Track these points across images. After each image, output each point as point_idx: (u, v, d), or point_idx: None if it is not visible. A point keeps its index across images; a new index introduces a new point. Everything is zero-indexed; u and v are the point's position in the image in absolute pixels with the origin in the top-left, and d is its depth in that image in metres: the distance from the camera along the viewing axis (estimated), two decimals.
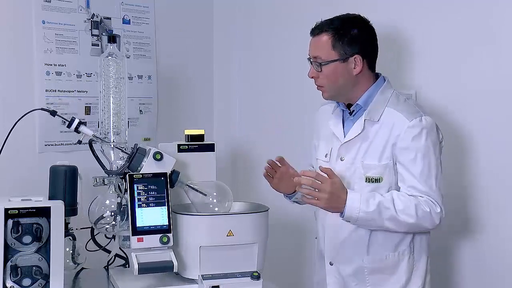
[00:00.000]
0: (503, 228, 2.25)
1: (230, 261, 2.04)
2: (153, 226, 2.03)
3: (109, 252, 2.32)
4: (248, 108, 3.14)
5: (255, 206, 2.19)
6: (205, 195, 2.14)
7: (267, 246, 2.13)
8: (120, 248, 2.27)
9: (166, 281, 2.10)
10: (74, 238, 2.24)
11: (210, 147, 2.30)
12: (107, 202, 2.19)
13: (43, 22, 2.61)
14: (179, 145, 2.26)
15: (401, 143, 2.07)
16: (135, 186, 2.05)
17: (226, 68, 3.19)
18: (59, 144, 2.62)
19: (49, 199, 2.11)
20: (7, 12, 2.51)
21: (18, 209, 1.91)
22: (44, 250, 1.95)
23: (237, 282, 2.01)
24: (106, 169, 2.19)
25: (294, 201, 2.38)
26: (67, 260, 2.20)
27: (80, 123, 2.15)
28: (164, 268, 2.02)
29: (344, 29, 2.12)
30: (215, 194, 2.15)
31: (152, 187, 2.06)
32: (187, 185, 2.15)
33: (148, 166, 2.09)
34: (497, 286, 2.27)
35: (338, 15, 2.16)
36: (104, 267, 2.33)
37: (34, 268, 1.92)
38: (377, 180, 2.10)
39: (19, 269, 1.90)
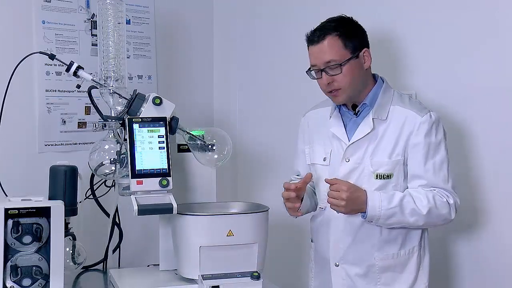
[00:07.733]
0: (503, 227, 2.25)
1: (230, 261, 2.04)
2: (153, 169, 2.02)
3: (108, 215, 2.32)
4: (248, 108, 3.14)
5: (255, 206, 2.20)
6: (204, 142, 2.14)
7: (267, 246, 2.13)
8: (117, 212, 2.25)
9: (166, 281, 2.11)
10: (74, 238, 2.24)
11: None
12: (106, 147, 2.15)
13: (43, 22, 2.61)
14: (179, 145, 2.26)
15: (414, 139, 2.09)
16: (135, 129, 2.04)
17: (226, 68, 3.19)
18: (59, 144, 2.61)
19: (49, 199, 2.11)
20: (7, 12, 2.51)
21: (18, 209, 1.91)
22: (44, 250, 1.95)
23: (237, 282, 2.01)
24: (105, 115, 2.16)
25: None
26: (67, 260, 2.20)
27: (79, 67, 2.13)
28: (163, 210, 2.00)
29: (345, 26, 2.12)
30: (214, 141, 2.15)
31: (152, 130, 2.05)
32: (187, 132, 2.14)
33: (148, 111, 2.08)
34: (497, 286, 2.27)
35: (322, 21, 2.15)
36: (103, 262, 2.35)
37: (34, 268, 1.93)
38: (388, 177, 2.10)
39: (19, 269, 1.91)
